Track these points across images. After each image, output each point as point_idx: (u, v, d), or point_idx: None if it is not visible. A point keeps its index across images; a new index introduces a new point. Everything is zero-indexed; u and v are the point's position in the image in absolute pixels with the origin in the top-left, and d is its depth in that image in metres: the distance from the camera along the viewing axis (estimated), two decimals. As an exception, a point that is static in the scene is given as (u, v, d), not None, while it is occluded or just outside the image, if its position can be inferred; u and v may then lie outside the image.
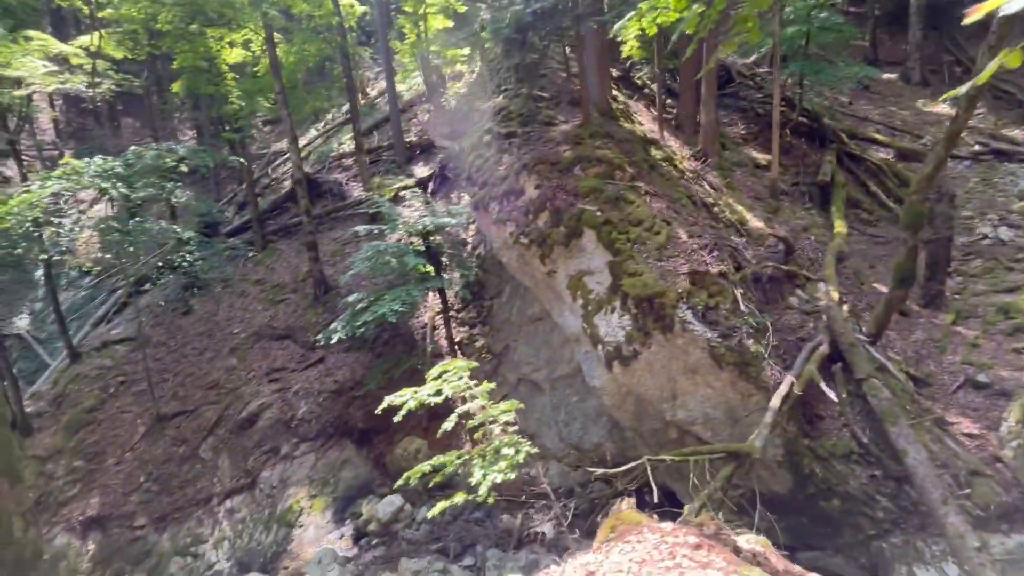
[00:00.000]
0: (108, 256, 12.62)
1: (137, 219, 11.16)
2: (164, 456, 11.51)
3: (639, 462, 5.58)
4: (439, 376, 4.54)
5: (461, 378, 4.42)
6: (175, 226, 12.45)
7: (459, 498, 4.21)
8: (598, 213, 7.86)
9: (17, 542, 5.18)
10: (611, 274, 7.70)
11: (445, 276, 11.82)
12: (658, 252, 7.44)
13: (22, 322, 18.94)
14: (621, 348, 7.57)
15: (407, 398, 4.42)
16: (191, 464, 11.43)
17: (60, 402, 12.51)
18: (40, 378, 14.57)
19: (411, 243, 11.40)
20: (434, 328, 13.46)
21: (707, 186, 9.99)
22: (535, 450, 4.20)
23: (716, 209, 9.43)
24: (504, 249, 9.34)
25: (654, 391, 7.57)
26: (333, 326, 11.20)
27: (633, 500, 3.99)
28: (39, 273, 19.95)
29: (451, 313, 11.99)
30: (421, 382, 12.05)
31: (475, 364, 4.95)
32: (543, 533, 8.53)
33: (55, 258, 13.34)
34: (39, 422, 12.12)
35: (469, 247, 14.35)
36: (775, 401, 6.45)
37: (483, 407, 4.34)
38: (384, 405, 4.74)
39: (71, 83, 12.67)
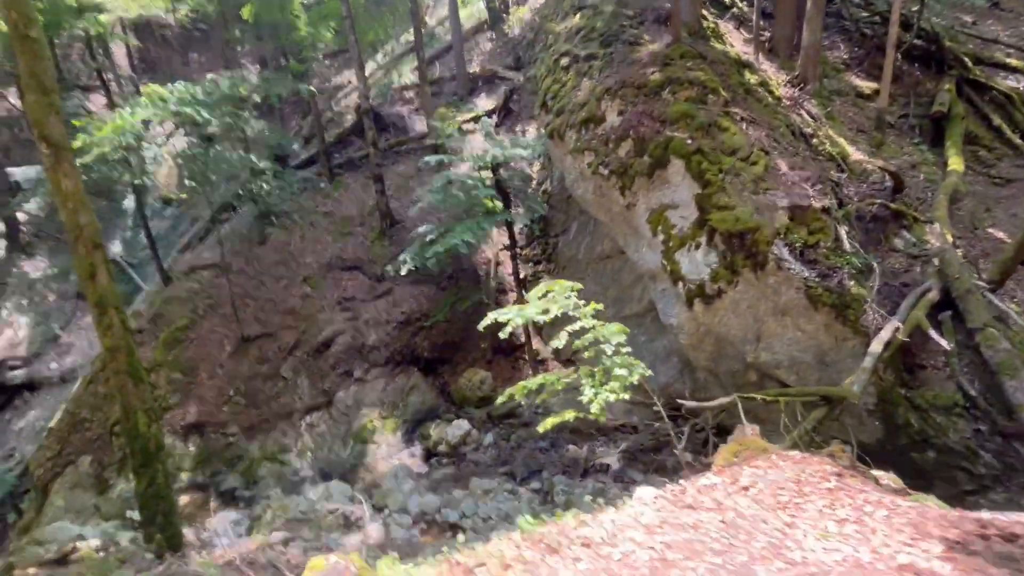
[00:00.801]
0: (191, 184, 13.12)
1: (217, 148, 11.48)
2: (249, 373, 12.42)
3: (729, 399, 5.43)
4: (544, 295, 4.45)
5: (568, 297, 4.31)
6: (252, 156, 12.75)
7: (570, 415, 4.20)
8: (688, 141, 7.31)
9: (143, 436, 5.75)
10: (698, 208, 7.26)
11: (513, 211, 11.62)
12: (754, 184, 6.90)
13: (115, 248, 20.49)
14: (704, 286, 7.25)
15: (512, 315, 4.37)
16: (274, 382, 12.30)
17: (156, 321, 13.60)
18: (136, 299, 15.88)
19: (479, 176, 11.19)
20: (498, 264, 13.47)
21: (805, 115, 9.07)
22: (648, 372, 4.10)
23: (815, 141, 8.59)
24: (579, 181, 8.98)
25: (736, 331, 7.28)
26: (402, 257, 11.38)
27: (757, 428, 3.85)
28: (127, 202, 21.34)
29: (515, 250, 11.87)
30: (485, 315, 12.22)
31: (580, 285, 4.81)
32: (608, 465, 8.69)
33: (142, 187, 14.14)
34: (140, 338, 13.26)
35: (534, 183, 14.00)
36: (875, 347, 6.03)
37: (592, 327, 4.24)
38: (488, 321, 4.68)
39: (153, 5, 12.79)
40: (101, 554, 6.79)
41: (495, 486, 8.10)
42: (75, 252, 5.43)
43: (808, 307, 6.52)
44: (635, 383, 4.13)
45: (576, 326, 4.37)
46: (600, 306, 4.73)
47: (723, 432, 9.05)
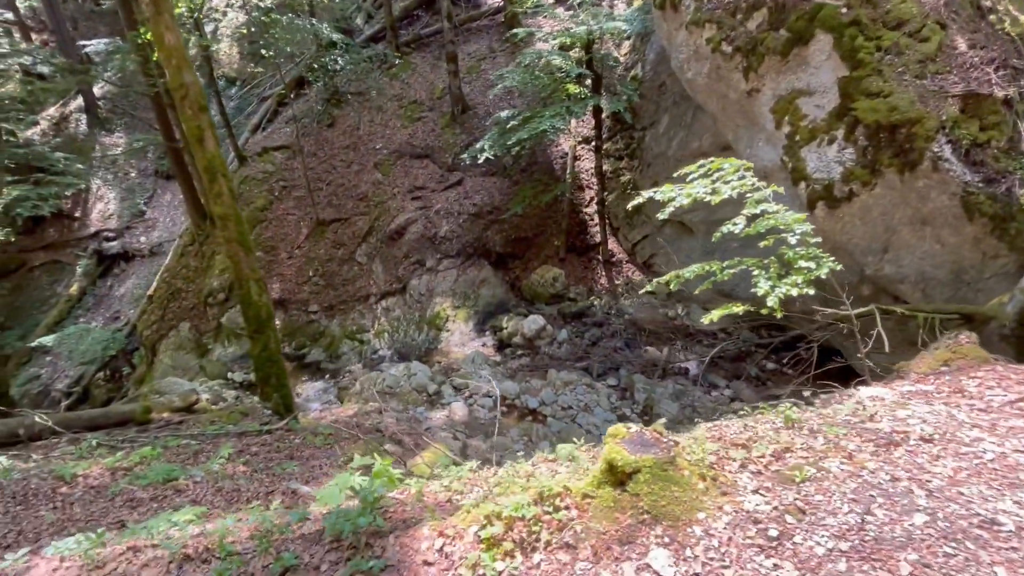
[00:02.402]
0: (268, 54, 12.56)
1: (289, 15, 10.77)
2: (326, 256, 12.76)
3: (867, 308, 4.98)
4: (707, 174, 3.99)
5: (743, 177, 3.84)
6: (324, 24, 11.97)
7: (738, 308, 3.92)
8: (843, 10, 6.12)
9: (255, 304, 5.96)
10: (841, 94, 6.25)
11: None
12: (919, 66, 5.79)
13: (186, 127, 20.66)
14: (832, 187, 6.47)
15: (673, 193, 3.96)
16: (349, 266, 12.62)
17: (237, 200, 13.91)
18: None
19: (569, 55, 10.12)
20: (575, 158, 12.70)
21: (983, -16, 7.38)
22: (839, 266, 3.69)
23: (992, 17, 7.05)
24: (691, 62, 7.90)
25: (860, 240, 6.59)
26: (480, 144, 10.83)
27: (975, 336, 3.49)
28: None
29: (599, 141, 11.03)
30: (560, 211, 11.64)
31: (750, 164, 4.29)
32: (687, 369, 8.61)
33: (212, 57, 13.73)
34: (222, 215, 13.71)
35: (621, 68, 12.66)
36: (1038, 265, 5.30)
37: (774, 212, 3.80)
38: (640, 200, 4.27)
39: None
40: (221, 405, 7.45)
41: (574, 379, 8.24)
42: (182, 113, 5.28)
43: (960, 217, 5.72)
44: (823, 276, 3.73)
45: (753, 210, 3.88)
46: (780, 189, 4.15)
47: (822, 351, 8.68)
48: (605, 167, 11.90)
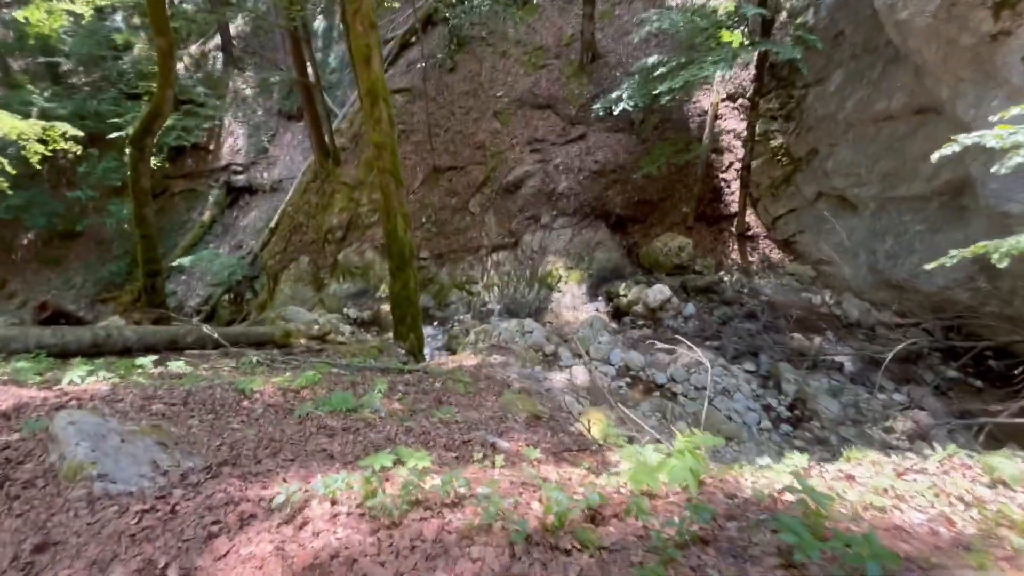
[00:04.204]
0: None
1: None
2: (440, 204, 12.63)
3: None
4: None
5: None
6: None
7: None
8: None
9: (400, 239, 5.76)
10: None
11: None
12: None
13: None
14: (1108, 160, 5.06)
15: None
16: (462, 215, 12.42)
17: (357, 140, 14.09)
18: (334, 120, 16.58)
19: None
20: (716, 116, 11.43)
21: None
22: None
23: None
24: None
25: None
26: (617, 93, 9.94)
27: None
28: (316, 22, 21.61)
29: (757, 97, 9.73)
30: (693, 176, 10.49)
31: None
32: (841, 364, 7.55)
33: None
34: (344, 156, 13.96)
35: (783, 15, 11.07)
36: None
37: None
38: (949, 150, 3.21)
39: None
40: (344, 338, 7.51)
41: (710, 358, 7.49)
42: (352, 29, 5.01)
43: None
44: None
45: None
46: None
47: (1003, 355, 7.28)
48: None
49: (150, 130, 7.41)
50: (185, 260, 14.04)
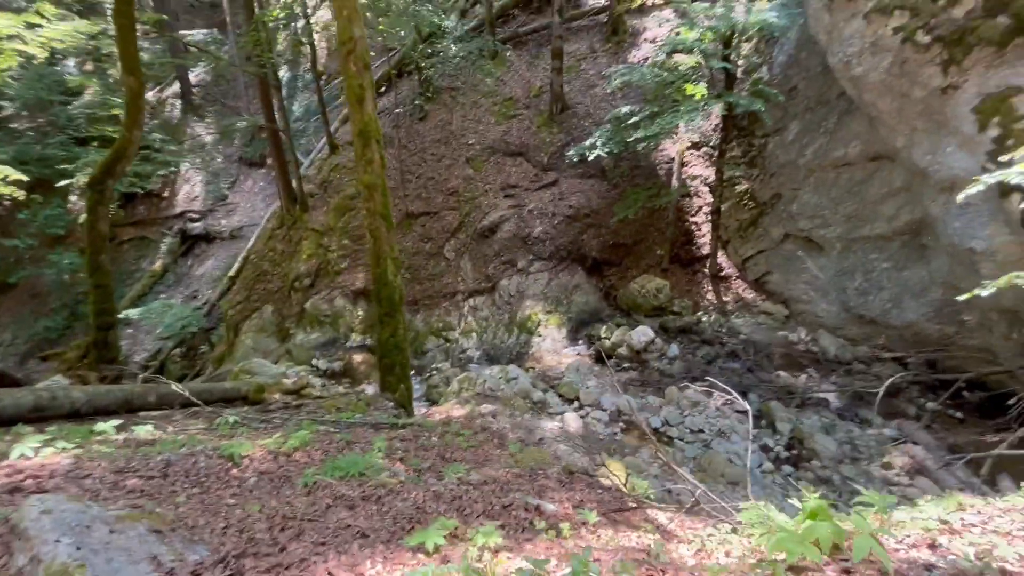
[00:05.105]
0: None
1: (405, -1, 10.54)
2: (414, 249, 12.39)
3: None
4: None
5: None
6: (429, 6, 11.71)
7: None
8: (1095, -9, 5.19)
9: (390, 284, 5.48)
10: (1081, 91, 5.30)
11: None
12: None
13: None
14: (1060, 200, 5.47)
15: None
16: (436, 260, 12.20)
17: (326, 187, 13.82)
18: (301, 166, 16.30)
19: (705, 49, 9.38)
20: (683, 164, 11.91)
21: None
22: None
23: None
24: (865, 55, 7.04)
25: (1089, 266, 5.54)
26: (590, 141, 10.24)
27: None
28: (281, 72, 21.61)
29: (724, 145, 10.22)
30: (664, 219, 10.77)
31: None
32: (827, 400, 7.62)
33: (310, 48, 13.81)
34: (312, 201, 13.62)
35: (740, 71, 11.83)
36: None
37: None
38: (972, 190, 3.34)
39: None
40: (321, 388, 6.99)
41: (702, 399, 7.39)
42: (345, 69, 4.88)
43: None
44: None
45: None
46: None
47: (976, 387, 7.54)
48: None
49: (112, 172, 6.93)
50: (133, 312, 13.03)
